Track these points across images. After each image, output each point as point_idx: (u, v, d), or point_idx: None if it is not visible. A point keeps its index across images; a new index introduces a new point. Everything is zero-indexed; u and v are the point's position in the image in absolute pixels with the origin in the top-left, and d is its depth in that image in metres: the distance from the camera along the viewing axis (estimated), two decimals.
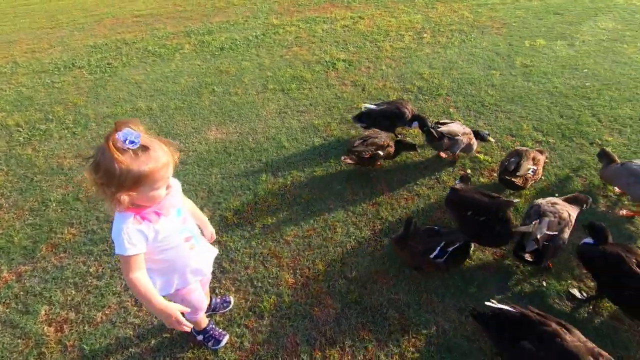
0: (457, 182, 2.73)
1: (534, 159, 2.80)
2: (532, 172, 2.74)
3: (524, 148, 2.93)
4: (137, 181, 1.35)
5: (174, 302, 1.60)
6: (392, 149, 3.14)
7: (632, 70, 4.38)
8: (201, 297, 1.90)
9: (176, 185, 1.63)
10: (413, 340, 2.07)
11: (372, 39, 5.70)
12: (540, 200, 2.40)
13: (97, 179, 1.34)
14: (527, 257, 2.15)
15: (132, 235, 1.42)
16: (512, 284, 2.31)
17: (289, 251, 2.62)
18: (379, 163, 3.19)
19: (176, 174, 3.10)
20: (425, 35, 5.66)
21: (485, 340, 2.03)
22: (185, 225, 1.65)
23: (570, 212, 2.32)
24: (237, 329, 2.19)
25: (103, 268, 2.59)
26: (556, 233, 2.19)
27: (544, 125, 3.63)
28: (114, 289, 2.45)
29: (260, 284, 2.42)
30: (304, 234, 2.74)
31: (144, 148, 1.34)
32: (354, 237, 2.69)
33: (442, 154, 3.34)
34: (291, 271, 2.48)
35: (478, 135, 3.24)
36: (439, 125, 3.16)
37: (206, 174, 3.37)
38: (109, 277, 2.53)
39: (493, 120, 3.77)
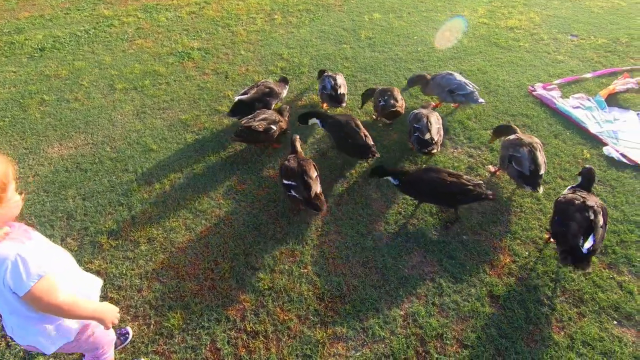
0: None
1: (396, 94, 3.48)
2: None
3: (386, 87, 3.55)
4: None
5: (79, 348, 1.38)
6: (284, 124, 3.18)
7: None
8: (111, 335, 1.65)
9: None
10: (329, 304, 2.17)
11: (224, 24, 5.48)
12: (419, 109, 3.19)
13: None
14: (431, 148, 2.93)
15: (29, 258, 1.22)
16: (397, 219, 2.62)
17: (185, 258, 2.41)
18: (276, 142, 3.21)
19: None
20: (276, 16, 5.71)
21: (389, 284, 2.26)
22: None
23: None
24: (145, 359, 1.93)
25: None
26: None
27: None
28: None
29: (161, 302, 2.17)
30: (197, 236, 2.54)
31: None
32: (251, 225, 2.62)
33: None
34: (193, 278, 2.30)
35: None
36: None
37: (59, 199, 2.80)
38: None
39: (354, 90, 4.09)
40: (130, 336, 2.01)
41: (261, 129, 2.98)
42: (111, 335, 1.67)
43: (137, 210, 2.72)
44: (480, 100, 3.45)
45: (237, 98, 3.42)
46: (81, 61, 4.50)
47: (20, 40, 4.88)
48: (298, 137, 2.92)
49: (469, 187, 2.45)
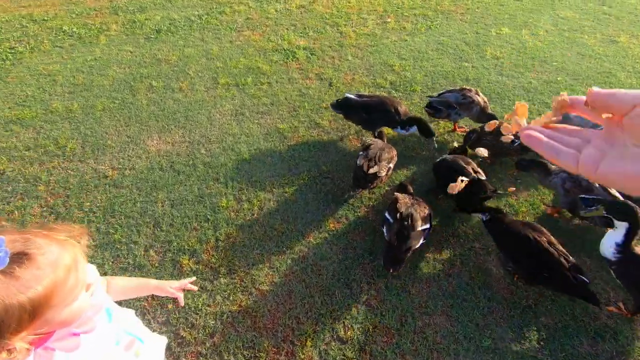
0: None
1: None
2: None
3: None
4: (33, 315, 0.81)
5: None
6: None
7: (596, 63, 4.32)
8: None
9: (91, 271, 1.10)
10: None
11: (333, 22, 5.13)
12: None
13: None
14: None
15: None
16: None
17: (265, 306, 2.12)
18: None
19: (108, 202, 2.41)
20: (389, 20, 5.21)
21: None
22: (121, 329, 1.14)
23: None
24: None
25: None
26: None
27: None
28: None
29: (232, 357, 1.91)
30: (281, 280, 2.24)
31: (22, 257, 0.80)
32: (342, 280, 2.25)
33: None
34: (271, 335, 2.00)
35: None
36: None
37: (150, 201, 2.70)
38: None
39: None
40: None
41: (384, 173, 2.54)
42: None
43: (222, 232, 2.50)
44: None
45: (347, 95, 3.13)
46: (191, 48, 4.48)
47: (141, 20, 5.03)
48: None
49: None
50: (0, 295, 0.76)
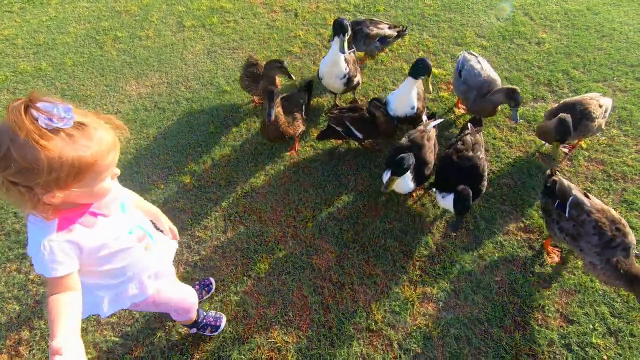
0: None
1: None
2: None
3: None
4: (77, 174, 0.97)
5: (145, 309, 1.27)
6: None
7: None
8: (183, 292, 1.58)
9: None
10: (417, 263, 2.07)
11: None
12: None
13: (8, 176, 0.93)
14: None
15: (57, 251, 1.03)
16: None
17: (266, 204, 2.38)
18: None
19: None
20: None
21: (483, 248, 2.10)
22: (134, 222, 1.27)
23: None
24: (235, 298, 1.98)
25: None
26: None
27: (484, 31, 3.63)
28: None
29: (246, 245, 2.19)
30: (277, 182, 2.49)
31: (81, 126, 0.96)
32: (331, 175, 2.52)
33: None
34: (275, 224, 2.28)
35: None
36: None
37: (142, 137, 2.84)
38: None
39: (437, 32, 3.66)
40: (214, 287, 2.01)
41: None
42: (186, 301, 1.59)
43: (216, 153, 2.70)
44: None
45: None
46: None
47: None
48: None
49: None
50: (59, 150, 0.92)
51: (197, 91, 3.19)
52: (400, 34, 3.19)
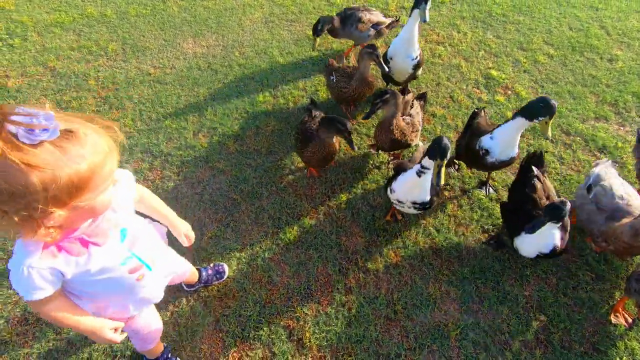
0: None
1: None
2: None
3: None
4: (73, 191, 0.86)
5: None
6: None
7: None
8: (151, 324, 1.45)
9: (126, 178, 1.17)
10: (446, 263, 2.05)
11: None
12: None
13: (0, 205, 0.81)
14: None
15: (36, 277, 0.96)
16: None
17: (303, 179, 2.41)
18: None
19: (155, 95, 2.56)
20: None
21: (514, 260, 2.05)
22: (132, 252, 1.16)
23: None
24: (261, 262, 2.04)
25: None
26: None
27: (554, 39, 3.43)
28: None
29: (278, 215, 2.23)
30: None
31: (68, 134, 0.84)
32: (371, 162, 2.51)
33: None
34: (310, 200, 2.30)
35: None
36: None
37: (192, 95, 2.91)
38: None
39: (502, 33, 3.50)
40: (226, 275, 1.95)
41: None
42: (151, 335, 1.48)
43: (262, 121, 2.73)
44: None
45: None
46: None
47: None
48: None
49: None
50: (50, 165, 0.79)
51: (251, 58, 3.21)
52: (392, 24, 3.02)
